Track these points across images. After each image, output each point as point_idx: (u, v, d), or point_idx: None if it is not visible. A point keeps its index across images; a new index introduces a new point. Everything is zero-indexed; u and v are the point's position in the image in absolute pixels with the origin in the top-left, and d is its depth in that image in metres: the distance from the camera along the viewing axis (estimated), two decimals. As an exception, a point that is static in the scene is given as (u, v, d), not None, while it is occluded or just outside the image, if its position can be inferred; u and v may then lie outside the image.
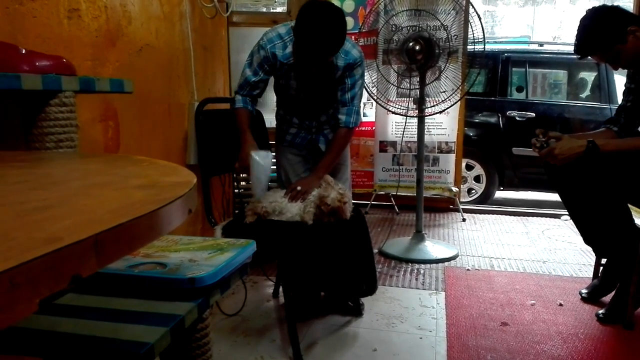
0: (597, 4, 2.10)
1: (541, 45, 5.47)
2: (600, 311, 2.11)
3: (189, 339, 1.12)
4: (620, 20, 1.96)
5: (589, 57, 2.08)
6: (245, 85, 2.08)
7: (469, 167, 4.71)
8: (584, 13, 2.05)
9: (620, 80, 4.39)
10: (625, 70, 2.19)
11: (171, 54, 2.32)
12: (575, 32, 2.06)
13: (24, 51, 1.17)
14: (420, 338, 1.94)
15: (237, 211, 2.32)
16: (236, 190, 2.84)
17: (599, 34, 1.99)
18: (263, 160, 1.92)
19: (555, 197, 2.24)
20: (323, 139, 2.27)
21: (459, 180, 4.09)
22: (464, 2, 2.93)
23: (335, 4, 3.87)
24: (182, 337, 1.10)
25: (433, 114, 3.03)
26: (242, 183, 2.99)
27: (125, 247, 0.44)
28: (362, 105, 2.20)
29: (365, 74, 2.32)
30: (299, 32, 1.87)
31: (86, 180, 0.66)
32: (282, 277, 2.13)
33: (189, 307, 1.00)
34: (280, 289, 2.28)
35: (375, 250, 2.97)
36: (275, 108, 2.33)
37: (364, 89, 2.33)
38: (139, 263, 1.14)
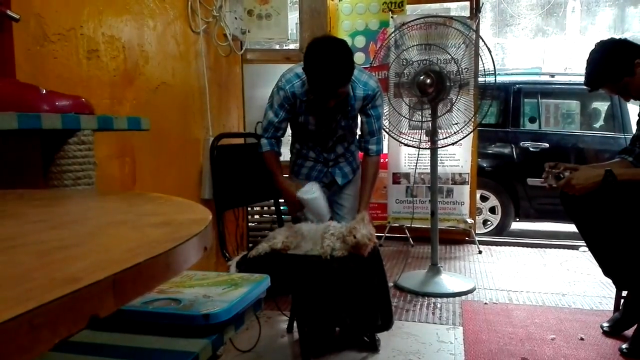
0: (605, 36, 2.12)
1: (553, 76, 5.49)
2: (624, 345, 2.05)
3: (203, 377, 1.11)
4: (627, 53, 1.98)
5: (599, 89, 2.09)
6: (269, 127, 2.16)
7: (484, 199, 4.68)
8: (593, 46, 2.07)
9: (634, 109, 4.37)
10: (639, 100, 2.19)
11: (187, 91, 2.37)
12: (585, 66, 2.08)
13: (44, 91, 1.20)
14: (438, 374, 1.90)
15: (250, 245, 2.32)
16: (251, 224, 2.85)
17: (607, 67, 2.01)
18: (311, 194, 2.06)
19: (572, 227, 2.21)
20: (339, 171, 2.31)
21: (474, 211, 4.06)
22: (473, 36, 2.97)
23: (347, 39, 3.96)
24: (197, 375, 1.09)
25: (445, 146, 3.03)
26: (256, 216, 3.01)
27: (142, 287, 0.45)
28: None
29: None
30: (307, 69, 1.94)
31: (103, 218, 0.67)
32: (296, 311, 2.11)
33: (203, 344, 1.00)
34: (295, 324, 2.25)
35: (391, 284, 2.94)
36: (290, 142, 2.37)
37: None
38: (153, 299, 1.14)
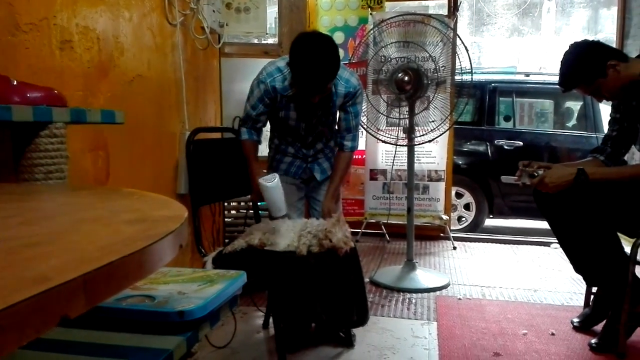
0: (580, 37, 2.16)
1: (528, 75, 5.57)
2: (593, 340, 2.10)
3: (177, 374, 1.10)
4: (600, 55, 2.02)
5: (573, 90, 2.13)
6: (247, 119, 2.19)
7: (459, 195, 4.74)
8: (567, 48, 2.11)
9: (605, 109, 4.47)
10: (611, 101, 2.24)
11: (163, 84, 2.33)
12: (559, 67, 2.11)
13: (15, 82, 1.17)
14: (413, 370, 1.92)
15: (227, 240, 2.31)
16: (227, 219, 2.83)
17: (580, 69, 2.05)
18: (270, 182, 2.05)
19: (544, 225, 2.26)
20: (318, 167, 2.31)
21: (449, 208, 4.11)
22: (451, 34, 3.00)
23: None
24: (171, 372, 1.08)
25: (422, 143, 3.05)
26: (233, 212, 2.99)
27: (115, 286, 0.44)
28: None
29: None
30: (294, 64, 1.93)
31: (76, 214, 0.66)
32: (272, 308, 2.11)
33: (177, 341, 0.99)
34: (271, 320, 2.25)
35: (367, 280, 2.95)
36: (269, 138, 2.36)
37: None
38: (127, 296, 1.12)
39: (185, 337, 1.00)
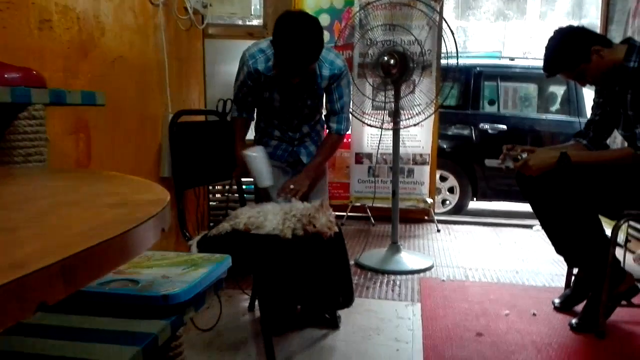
0: (564, 22, 2.16)
1: (512, 59, 5.59)
2: (573, 320, 2.14)
3: (162, 357, 1.09)
4: (584, 40, 2.03)
5: (557, 75, 2.14)
6: (236, 100, 2.21)
7: (443, 179, 4.77)
8: (552, 33, 2.11)
9: (589, 94, 4.51)
10: (594, 86, 2.25)
11: (145, 65, 2.29)
12: (543, 52, 2.12)
13: (-8, 63, 1.14)
14: (397, 350, 1.94)
15: (212, 224, 2.30)
16: (212, 203, 2.82)
17: (564, 54, 2.06)
18: (256, 152, 2.05)
19: (526, 207, 2.29)
20: (304, 150, 2.30)
21: (434, 191, 4.13)
22: (437, 18, 2.98)
23: (311, 16, 3.91)
24: (155, 356, 1.08)
25: (407, 127, 3.05)
26: (217, 195, 2.97)
27: (95, 272, 0.43)
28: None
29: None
30: (276, 44, 1.90)
31: (55, 198, 0.64)
32: (258, 291, 2.11)
33: (162, 325, 0.98)
34: (256, 302, 2.26)
35: (352, 262, 2.97)
36: (255, 121, 2.34)
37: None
38: (110, 280, 1.11)
39: (169, 321, 1.00)
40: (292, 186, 2.08)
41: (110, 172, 0.83)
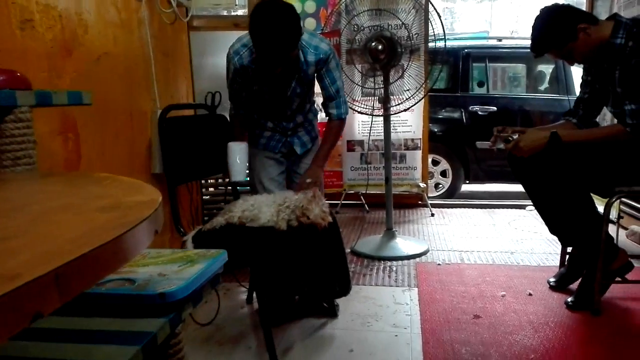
0: (550, 1, 2.15)
1: (500, 40, 5.58)
2: (569, 299, 2.16)
3: (162, 355, 1.10)
4: (570, 18, 2.02)
5: (545, 54, 2.14)
6: (230, 98, 2.24)
7: (435, 163, 4.78)
8: (538, 12, 2.11)
9: (577, 72, 4.52)
10: (582, 64, 2.25)
11: (131, 61, 2.26)
12: (530, 32, 2.11)
13: (-26, 66, 1.12)
14: (396, 335, 1.96)
15: (206, 218, 2.29)
16: (205, 197, 2.81)
17: (551, 33, 2.05)
18: (236, 146, 2.09)
19: (519, 188, 2.30)
20: (298, 141, 2.30)
21: (426, 175, 4.14)
22: (423, 1, 2.96)
23: (297, 5, 3.88)
24: (155, 355, 1.08)
25: (398, 112, 3.05)
26: (211, 189, 2.96)
27: (89, 279, 0.43)
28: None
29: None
30: (251, 34, 1.89)
31: (46, 203, 0.63)
32: (255, 283, 2.12)
33: (160, 323, 0.98)
34: (254, 294, 2.26)
35: (348, 250, 2.98)
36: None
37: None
38: (106, 280, 1.10)
39: (168, 318, 1.00)
40: (308, 180, 2.11)
41: (101, 174, 0.82)
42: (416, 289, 2.40)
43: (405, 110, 3.03)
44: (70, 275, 0.40)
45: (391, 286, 2.47)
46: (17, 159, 1.09)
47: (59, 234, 0.49)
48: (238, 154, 2.10)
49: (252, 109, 2.28)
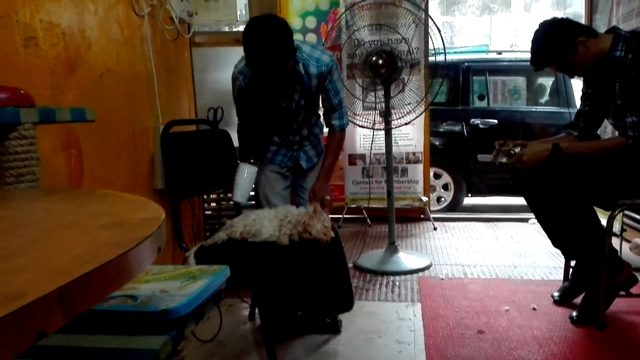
0: (549, 13, 2.17)
1: (499, 53, 5.61)
2: (573, 313, 2.14)
3: (164, 372, 1.09)
4: (569, 32, 2.03)
5: (545, 68, 2.15)
6: (238, 115, 2.29)
7: (437, 176, 4.78)
8: (537, 27, 2.12)
9: (577, 84, 4.54)
10: (582, 77, 2.26)
11: (134, 78, 2.28)
12: (530, 46, 2.13)
13: (-22, 84, 1.13)
14: (400, 352, 1.94)
15: (208, 234, 2.29)
16: (207, 212, 2.81)
17: (551, 47, 2.06)
18: (247, 168, 2.11)
19: (521, 201, 2.29)
20: (304, 155, 2.32)
21: (428, 189, 4.14)
22: (423, 16, 2.99)
23: (297, 20, 3.92)
24: (157, 372, 1.07)
25: (399, 126, 3.06)
26: (213, 204, 2.96)
27: (93, 297, 0.42)
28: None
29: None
30: (244, 48, 1.92)
31: (49, 221, 0.63)
32: (257, 299, 2.10)
33: (162, 340, 0.97)
34: (257, 311, 2.25)
35: (350, 264, 2.97)
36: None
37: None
38: (108, 297, 1.10)
39: (170, 336, 0.99)
40: (316, 194, 2.14)
41: (104, 191, 0.82)
42: (419, 304, 2.39)
43: (406, 124, 3.04)
44: (74, 293, 0.40)
45: (394, 301, 2.45)
46: (20, 176, 1.09)
47: (62, 252, 0.49)
48: (247, 176, 2.11)
49: (258, 124, 2.29)
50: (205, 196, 2.80)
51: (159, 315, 1.02)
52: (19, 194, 0.94)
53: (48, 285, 0.38)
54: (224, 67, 2.18)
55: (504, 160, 2.17)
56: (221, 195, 2.83)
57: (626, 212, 3.03)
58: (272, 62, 1.89)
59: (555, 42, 2.06)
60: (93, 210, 0.69)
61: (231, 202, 2.42)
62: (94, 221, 0.61)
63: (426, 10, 3.37)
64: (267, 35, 1.85)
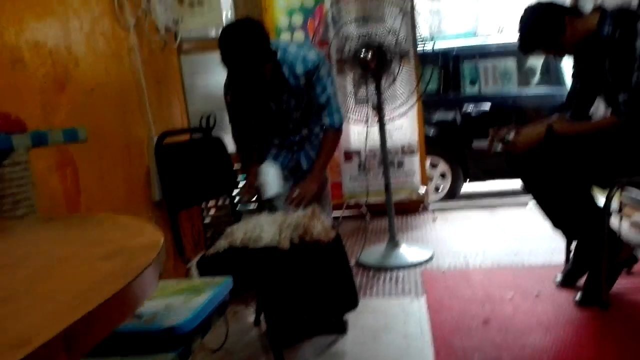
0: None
1: (488, 38, 5.60)
2: (577, 296, 2.15)
3: (174, 388, 1.09)
4: (555, 14, 2.04)
5: (534, 52, 2.15)
6: (230, 122, 2.32)
7: (433, 166, 4.78)
8: (522, 12, 2.12)
9: (567, 62, 4.53)
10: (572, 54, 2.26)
11: (123, 90, 2.27)
12: (517, 31, 2.13)
13: (-32, 112, 1.13)
14: (407, 347, 1.95)
15: (208, 242, 2.29)
16: (207, 220, 2.81)
17: (538, 31, 2.07)
18: (266, 169, 2.17)
19: (519, 183, 2.29)
20: (305, 157, 2.31)
21: (425, 180, 4.13)
22: (409, 6, 2.98)
23: (284, 18, 3.90)
24: (167, 389, 1.07)
25: (392, 118, 3.05)
26: (212, 211, 2.96)
27: (97, 334, 0.43)
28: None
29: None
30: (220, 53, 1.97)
31: (48, 255, 0.63)
32: (262, 304, 2.11)
33: (170, 358, 0.98)
34: (262, 315, 2.25)
35: (352, 262, 2.97)
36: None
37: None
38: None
39: (177, 352, 1.00)
40: (297, 193, 2.13)
41: (100, 215, 0.82)
42: (424, 297, 2.39)
43: (399, 116, 3.04)
44: (78, 333, 0.40)
45: (398, 296, 2.46)
46: (17, 202, 1.09)
47: (63, 290, 0.49)
48: (270, 172, 2.17)
49: (255, 128, 2.30)
50: (204, 204, 2.80)
51: (165, 333, 1.02)
52: (15, 224, 0.94)
53: (51, 329, 0.38)
54: (213, 71, 2.19)
55: (499, 148, 2.18)
56: (219, 203, 2.83)
57: (624, 189, 3.04)
58: (243, 63, 1.93)
59: (542, 25, 2.06)
60: (91, 238, 0.69)
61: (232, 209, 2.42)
62: (93, 251, 0.61)
63: (412, 1, 3.36)
64: (237, 38, 1.89)
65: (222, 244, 1.84)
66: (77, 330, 0.41)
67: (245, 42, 1.88)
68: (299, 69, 2.10)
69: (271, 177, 2.14)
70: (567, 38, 2.04)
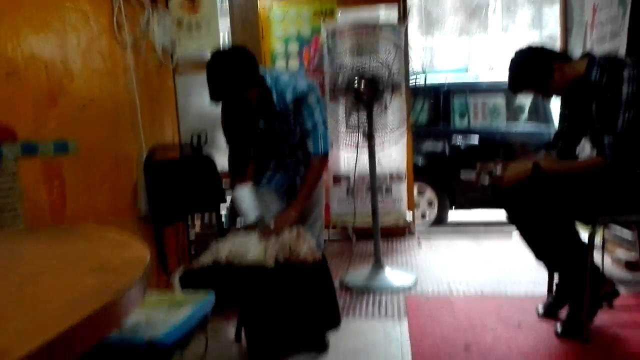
0: (526, 34, 2.24)
1: (479, 75, 5.73)
2: (558, 327, 2.17)
3: (151, 404, 1.09)
4: (545, 58, 2.10)
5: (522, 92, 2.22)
6: (227, 141, 2.29)
7: (421, 193, 4.85)
8: (513, 55, 2.18)
9: (555, 102, 4.64)
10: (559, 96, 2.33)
11: (117, 107, 2.30)
12: (507, 72, 2.19)
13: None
14: (387, 372, 1.95)
15: (193, 253, 2.29)
16: (192, 235, 2.81)
17: (527, 73, 2.13)
18: (242, 191, 2.14)
19: (503, 215, 2.32)
20: (300, 179, 2.32)
21: (412, 207, 4.17)
22: (402, 42, 3.05)
23: (280, 45, 3.97)
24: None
25: (382, 146, 3.09)
26: (197, 225, 2.96)
27: (80, 346, 0.43)
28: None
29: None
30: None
31: (33, 265, 0.64)
32: (243, 321, 2.10)
33: (148, 372, 0.98)
34: (243, 331, 2.24)
35: (336, 282, 2.97)
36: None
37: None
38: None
39: (156, 367, 1.00)
40: (273, 225, 2.07)
41: (86, 227, 0.84)
42: (406, 322, 2.40)
43: (389, 144, 3.08)
44: (62, 345, 0.41)
45: (381, 319, 2.46)
46: (2, 212, 1.09)
47: (48, 301, 0.50)
48: (247, 197, 2.14)
49: (252, 150, 2.32)
50: (189, 220, 2.80)
51: (145, 346, 1.03)
52: (1, 235, 0.95)
53: (35, 339, 0.39)
54: (207, 92, 2.21)
55: (486, 182, 2.22)
56: (205, 218, 2.84)
57: (607, 226, 3.08)
58: (223, 89, 1.96)
59: (531, 69, 2.12)
60: (77, 251, 0.71)
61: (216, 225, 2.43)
62: (79, 264, 0.62)
63: (406, 35, 3.44)
64: (220, 65, 1.94)
65: (206, 259, 1.84)
66: (60, 343, 0.41)
67: (226, 69, 1.93)
68: (288, 97, 2.12)
69: (247, 202, 2.12)
70: (555, 82, 2.10)
